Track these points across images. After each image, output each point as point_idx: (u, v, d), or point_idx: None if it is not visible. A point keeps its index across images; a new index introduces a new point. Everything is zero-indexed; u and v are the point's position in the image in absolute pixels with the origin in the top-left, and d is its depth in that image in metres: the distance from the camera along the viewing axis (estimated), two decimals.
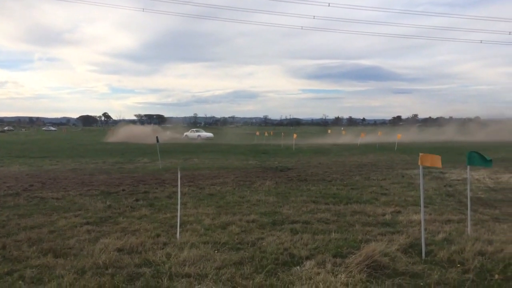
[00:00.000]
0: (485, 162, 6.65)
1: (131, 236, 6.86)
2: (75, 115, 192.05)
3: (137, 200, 10.26)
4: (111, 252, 5.98)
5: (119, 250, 6.16)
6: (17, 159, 22.59)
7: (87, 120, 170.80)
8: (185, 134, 59.38)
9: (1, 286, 4.89)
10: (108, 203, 9.80)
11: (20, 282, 4.98)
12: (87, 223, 7.87)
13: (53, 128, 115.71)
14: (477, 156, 6.69)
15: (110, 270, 5.31)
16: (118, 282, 4.92)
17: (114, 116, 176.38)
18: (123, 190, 11.79)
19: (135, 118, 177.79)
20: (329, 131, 52.80)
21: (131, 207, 9.41)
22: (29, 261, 5.71)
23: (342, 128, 71.42)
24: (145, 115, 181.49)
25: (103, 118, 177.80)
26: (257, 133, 53.87)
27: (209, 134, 58.89)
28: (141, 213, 8.73)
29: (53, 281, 4.92)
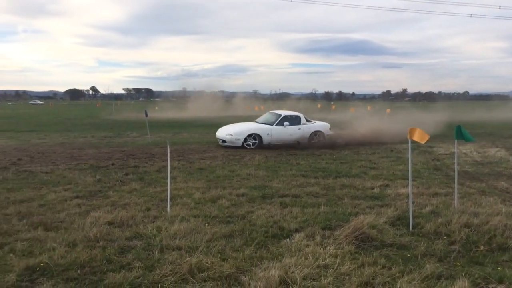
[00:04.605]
0: (470, 137, 6.75)
1: (121, 209, 6.87)
2: (62, 89, 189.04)
3: (126, 174, 10.24)
4: (102, 226, 6.00)
5: (110, 223, 6.18)
6: (4, 133, 22.30)
7: (74, 94, 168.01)
8: None
9: None
10: (97, 177, 9.77)
11: (11, 255, 4.99)
12: (77, 197, 7.86)
13: (40, 102, 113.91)
14: (464, 131, 6.76)
15: (101, 243, 5.34)
16: (109, 255, 4.96)
17: (102, 90, 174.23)
18: (113, 164, 11.75)
19: (123, 92, 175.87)
20: (319, 105, 52.74)
21: (121, 181, 9.40)
22: (19, 234, 5.71)
23: (331, 103, 71.44)
24: (134, 89, 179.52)
25: (90, 92, 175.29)
26: (247, 107, 53.57)
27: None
28: (131, 187, 8.72)
29: (44, 254, 4.94)
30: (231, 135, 15.82)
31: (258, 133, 15.89)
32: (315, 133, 16.62)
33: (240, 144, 15.54)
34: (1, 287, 4.22)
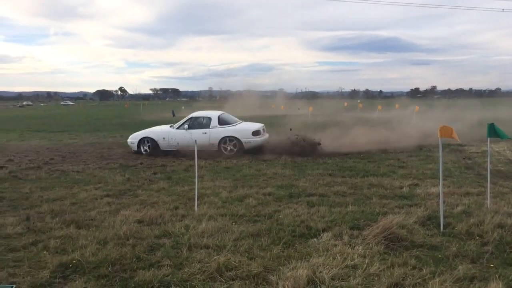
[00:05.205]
0: (505, 134, 6.53)
1: (150, 208, 6.98)
2: (91, 90, 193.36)
3: (155, 173, 10.39)
4: (132, 224, 6.11)
5: (139, 221, 6.29)
6: (37, 133, 23.00)
7: (103, 95, 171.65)
8: None
9: (27, 256, 5.05)
10: (127, 176, 9.96)
11: (45, 252, 5.14)
12: (107, 196, 8.03)
13: (71, 103, 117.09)
14: (498, 128, 6.55)
15: (131, 241, 5.44)
16: (139, 252, 5.04)
17: (130, 91, 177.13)
18: (141, 163, 11.94)
19: (150, 92, 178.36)
20: (345, 104, 52.21)
21: (149, 180, 9.55)
22: (52, 232, 5.89)
23: (358, 101, 70.53)
24: (161, 89, 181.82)
25: (119, 93, 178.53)
26: (273, 105, 53.50)
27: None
28: (159, 186, 8.85)
29: (77, 251, 5.07)
30: (130, 138, 14.37)
31: (151, 137, 13.72)
32: (228, 139, 13.35)
33: (135, 149, 13.88)
34: (36, 283, 4.36)
